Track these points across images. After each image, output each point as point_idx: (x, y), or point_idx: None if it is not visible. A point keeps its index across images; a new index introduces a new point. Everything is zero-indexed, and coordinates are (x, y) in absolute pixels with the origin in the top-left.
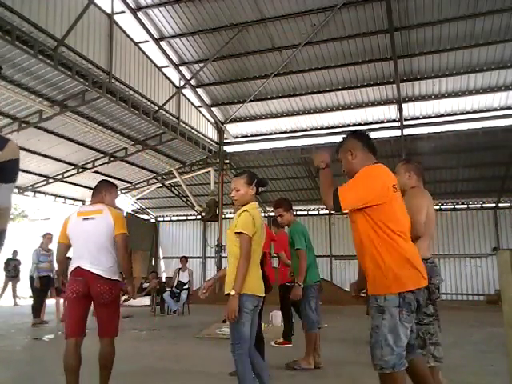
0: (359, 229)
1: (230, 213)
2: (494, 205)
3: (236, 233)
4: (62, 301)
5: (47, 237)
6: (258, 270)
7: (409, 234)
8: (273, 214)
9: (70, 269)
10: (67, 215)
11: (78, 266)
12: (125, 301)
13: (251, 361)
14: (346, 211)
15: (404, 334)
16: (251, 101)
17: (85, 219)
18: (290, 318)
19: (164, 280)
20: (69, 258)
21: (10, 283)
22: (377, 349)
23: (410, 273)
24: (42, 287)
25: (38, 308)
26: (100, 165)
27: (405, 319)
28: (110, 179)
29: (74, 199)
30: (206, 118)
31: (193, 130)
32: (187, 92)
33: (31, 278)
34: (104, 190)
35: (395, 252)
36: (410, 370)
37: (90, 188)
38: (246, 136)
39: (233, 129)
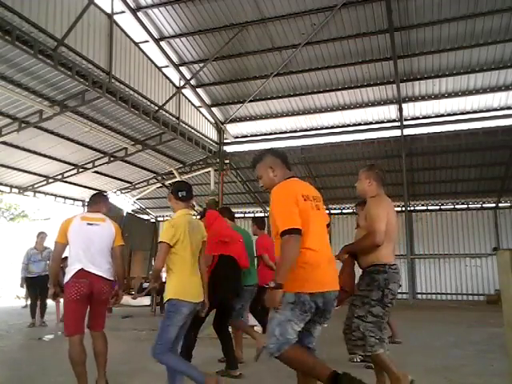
0: (274, 234)
1: None
2: (494, 205)
3: (159, 243)
4: (62, 301)
5: (40, 236)
6: (191, 277)
7: (323, 241)
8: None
9: (72, 270)
10: (67, 217)
11: (82, 269)
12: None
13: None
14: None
15: (292, 329)
16: (251, 101)
17: (89, 224)
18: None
19: (164, 280)
20: (64, 259)
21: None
22: (268, 337)
23: (307, 277)
24: (34, 287)
25: (33, 308)
26: (100, 165)
27: (296, 316)
28: (102, 192)
29: (74, 199)
30: (206, 118)
31: (193, 130)
32: (187, 92)
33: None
34: (102, 203)
35: (300, 257)
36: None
37: (90, 188)
38: (246, 136)
39: (233, 129)
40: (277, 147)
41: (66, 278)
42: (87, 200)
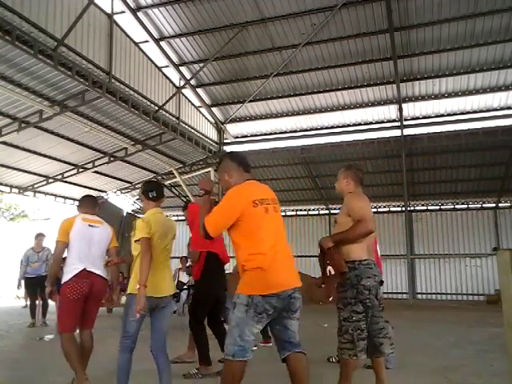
0: (232, 236)
1: None
2: (494, 205)
3: (135, 241)
4: None
5: (39, 238)
6: (158, 272)
7: (276, 244)
8: None
9: (74, 270)
10: (67, 217)
11: (84, 269)
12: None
13: (156, 359)
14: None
15: (249, 331)
16: (251, 101)
17: (90, 226)
18: None
19: None
20: (63, 258)
21: None
22: (227, 337)
23: (259, 280)
24: (33, 287)
25: (33, 309)
26: (100, 165)
27: (251, 318)
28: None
29: (74, 199)
30: (206, 118)
31: (193, 130)
32: (187, 92)
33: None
34: (95, 205)
35: (250, 260)
36: (287, 366)
37: (90, 188)
38: (246, 136)
39: (233, 129)
40: (278, 147)
41: (66, 278)
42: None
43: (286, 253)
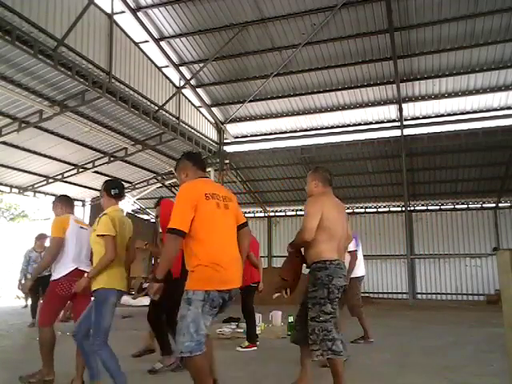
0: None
1: None
2: (493, 205)
3: (98, 235)
4: None
5: (41, 239)
6: (119, 267)
7: (229, 240)
8: (272, 214)
9: (68, 268)
10: (63, 216)
11: (77, 268)
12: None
13: (82, 349)
14: None
15: (204, 325)
16: (251, 101)
17: (81, 228)
18: (254, 319)
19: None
20: None
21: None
22: (180, 335)
23: (216, 275)
24: (36, 288)
25: (34, 308)
26: (100, 165)
27: (207, 312)
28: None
29: (74, 199)
30: (206, 118)
31: (193, 130)
32: (187, 92)
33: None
34: (73, 206)
35: (206, 255)
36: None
37: (90, 188)
38: (246, 136)
39: (233, 129)
40: (278, 147)
41: (58, 275)
42: (87, 200)
43: (236, 252)
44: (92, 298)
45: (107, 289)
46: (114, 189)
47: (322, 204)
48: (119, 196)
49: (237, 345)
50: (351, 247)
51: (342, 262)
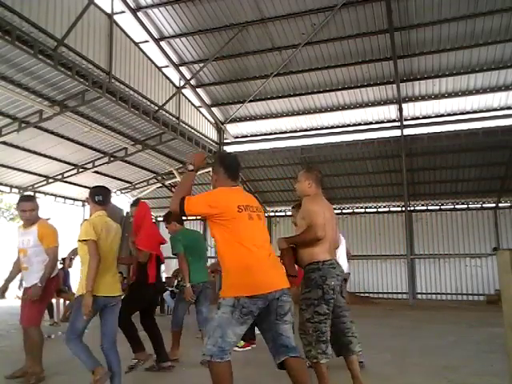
0: (216, 238)
1: None
2: (493, 205)
3: (80, 241)
4: (62, 301)
5: None
6: (107, 272)
7: (262, 247)
8: (272, 214)
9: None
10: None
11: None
12: None
13: (107, 357)
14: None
15: (233, 332)
16: (251, 101)
17: None
18: None
19: (164, 280)
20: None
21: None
22: (206, 337)
23: (245, 281)
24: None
25: (50, 308)
26: (100, 165)
27: (236, 319)
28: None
29: (74, 199)
30: (206, 118)
31: (193, 130)
32: (187, 92)
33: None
34: None
35: (236, 261)
36: (287, 371)
37: (90, 188)
38: (246, 136)
39: (233, 129)
40: (278, 147)
41: (54, 272)
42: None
43: (271, 257)
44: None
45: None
46: (98, 195)
47: (322, 204)
48: (103, 203)
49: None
50: None
51: (335, 261)
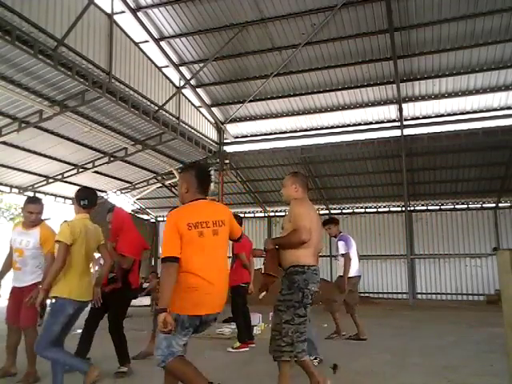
0: None
1: None
2: (493, 205)
3: (55, 241)
4: None
5: None
6: (84, 276)
7: (208, 267)
8: (272, 214)
9: None
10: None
11: None
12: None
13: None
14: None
15: (176, 342)
16: (251, 101)
17: None
18: (243, 319)
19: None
20: None
21: None
22: (156, 349)
23: (187, 302)
24: None
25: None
26: (100, 165)
27: (179, 332)
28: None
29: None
30: (206, 118)
31: (193, 130)
32: (187, 92)
33: None
34: None
35: (182, 282)
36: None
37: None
38: (246, 136)
39: (233, 129)
40: (278, 147)
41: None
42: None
43: (217, 279)
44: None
45: (64, 298)
46: (84, 200)
47: (309, 208)
48: (88, 207)
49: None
50: (342, 250)
51: (318, 268)
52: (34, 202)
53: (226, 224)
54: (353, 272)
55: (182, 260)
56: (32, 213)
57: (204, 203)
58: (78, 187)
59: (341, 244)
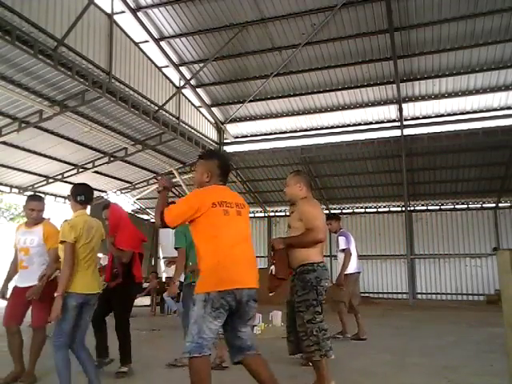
0: (194, 236)
1: None
2: (493, 205)
3: (60, 242)
4: None
5: None
6: (87, 270)
7: (236, 243)
8: (272, 214)
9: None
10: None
11: None
12: None
13: (78, 356)
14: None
15: (208, 328)
16: (251, 101)
17: None
18: None
19: (164, 280)
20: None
21: None
22: (187, 335)
23: (215, 276)
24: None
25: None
26: (100, 165)
27: (209, 314)
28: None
29: None
30: (206, 118)
31: (193, 130)
32: (187, 92)
33: None
34: None
35: (208, 257)
36: (247, 369)
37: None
38: (246, 136)
39: (233, 129)
40: (278, 147)
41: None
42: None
43: (246, 254)
44: None
45: (67, 292)
46: (80, 195)
47: (319, 207)
48: (85, 202)
49: None
50: (342, 245)
51: (326, 264)
52: (35, 200)
53: (246, 208)
54: (352, 268)
55: (208, 237)
56: (33, 210)
57: (225, 187)
58: None
59: (341, 239)
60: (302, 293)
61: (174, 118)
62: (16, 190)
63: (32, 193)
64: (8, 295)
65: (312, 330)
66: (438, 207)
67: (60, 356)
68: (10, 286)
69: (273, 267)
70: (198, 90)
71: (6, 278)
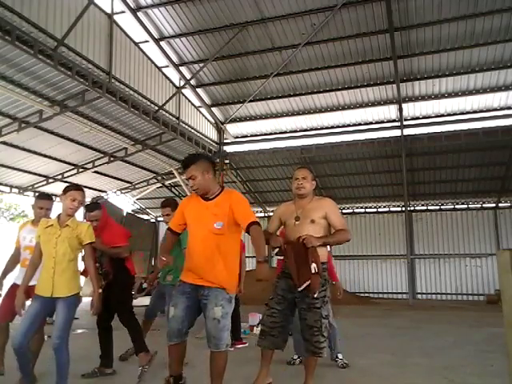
0: (231, 242)
1: None
2: (494, 205)
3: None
4: None
5: None
6: (44, 272)
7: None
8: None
9: None
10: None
11: None
12: None
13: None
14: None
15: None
16: (251, 101)
17: None
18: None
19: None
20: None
21: None
22: (226, 332)
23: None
24: None
25: None
26: (100, 165)
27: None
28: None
29: None
30: (205, 118)
31: (193, 130)
32: (187, 92)
33: None
34: None
35: (240, 267)
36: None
37: (90, 188)
38: (246, 136)
39: (233, 129)
40: (278, 147)
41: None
42: (87, 200)
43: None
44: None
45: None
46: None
47: None
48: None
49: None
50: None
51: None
52: (45, 198)
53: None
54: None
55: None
56: (42, 208)
57: None
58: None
59: None
60: (321, 289)
61: (173, 118)
62: (16, 190)
63: (32, 193)
64: (2, 291)
65: (325, 324)
66: (438, 207)
67: (66, 349)
68: (7, 284)
69: (314, 265)
70: (198, 90)
71: (1, 274)
